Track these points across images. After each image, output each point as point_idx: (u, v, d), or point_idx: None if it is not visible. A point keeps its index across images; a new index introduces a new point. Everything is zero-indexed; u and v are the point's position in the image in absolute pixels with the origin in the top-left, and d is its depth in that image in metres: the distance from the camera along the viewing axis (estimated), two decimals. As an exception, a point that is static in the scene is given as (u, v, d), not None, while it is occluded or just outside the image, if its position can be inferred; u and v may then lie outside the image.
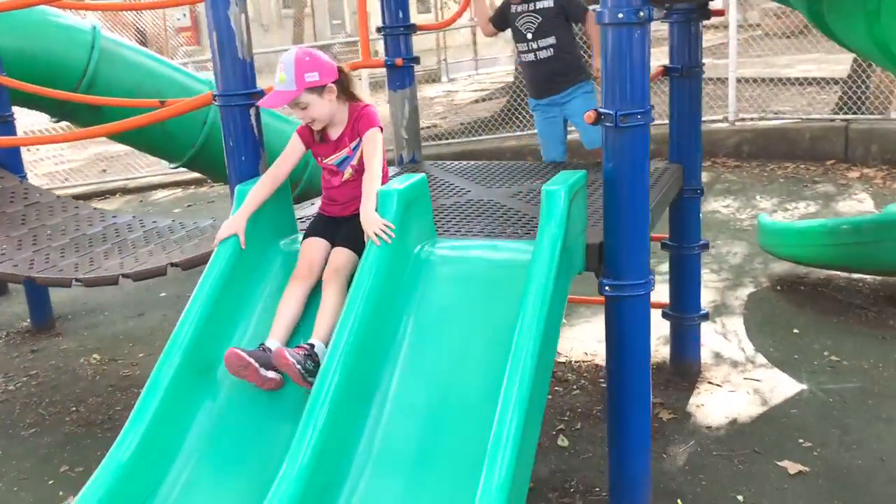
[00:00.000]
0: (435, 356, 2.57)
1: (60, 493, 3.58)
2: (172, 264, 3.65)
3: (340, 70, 2.75)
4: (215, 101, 3.09)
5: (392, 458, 2.40)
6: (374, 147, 2.76)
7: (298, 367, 2.51)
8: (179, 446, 2.58)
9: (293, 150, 2.92)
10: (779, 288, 5.23)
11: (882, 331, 4.48)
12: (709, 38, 22.22)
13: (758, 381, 4.06)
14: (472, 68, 19.27)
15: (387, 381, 2.54)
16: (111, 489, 2.43)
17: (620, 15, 2.47)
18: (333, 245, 2.82)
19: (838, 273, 5.25)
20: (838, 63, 13.17)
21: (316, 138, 2.88)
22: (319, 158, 2.91)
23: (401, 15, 4.19)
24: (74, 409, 4.40)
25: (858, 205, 6.88)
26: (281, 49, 19.35)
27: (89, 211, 4.95)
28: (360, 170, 2.82)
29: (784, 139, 8.45)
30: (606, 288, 2.72)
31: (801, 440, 3.51)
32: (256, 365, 2.57)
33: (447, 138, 10.48)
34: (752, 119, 8.94)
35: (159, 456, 2.54)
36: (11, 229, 4.56)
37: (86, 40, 5.93)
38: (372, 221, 2.60)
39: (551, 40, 4.44)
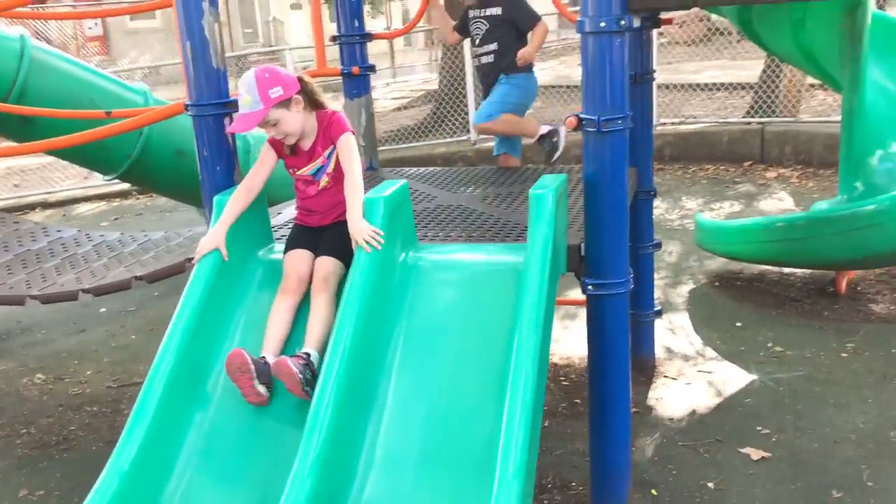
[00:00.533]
0: (429, 361, 2.60)
1: (24, 518, 3.47)
2: (137, 278, 3.58)
3: (301, 80, 2.74)
4: (188, 110, 3.05)
5: (395, 460, 2.44)
6: (349, 153, 2.77)
7: (300, 376, 2.51)
8: (176, 456, 2.56)
9: (266, 161, 2.88)
10: (717, 284, 5.47)
11: (818, 321, 4.74)
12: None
13: (710, 373, 4.24)
14: (391, 76, 19.32)
15: (384, 386, 2.57)
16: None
17: (602, 24, 2.57)
18: (317, 254, 2.82)
19: (770, 268, 5.53)
20: (743, 69, 13.79)
21: (286, 151, 2.85)
22: (292, 170, 2.89)
23: (356, 24, 4.22)
24: (25, 430, 4.24)
25: (779, 203, 7.24)
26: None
27: (30, 226, 4.79)
28: (336, 177, 2.83)
29: (704, 142, 8.81)
30: (589, 287, 2.82)
31: (758, 427, 3.69)
32: (254, 373, 2.56)
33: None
34: (672, 123, 9.28)
35: (157, 466, 2.51)
36: (-49, 247, 4.38)
37: (14, 49, 5.71)
38: (361, 229, 2.62)
39: (493, 46, 4.47)
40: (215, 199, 2.92)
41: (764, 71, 8.99)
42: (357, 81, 4.30)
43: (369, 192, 2.74)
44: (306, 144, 2.81)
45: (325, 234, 2.85)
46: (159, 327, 5.58)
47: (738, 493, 3.22)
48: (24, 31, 5.95)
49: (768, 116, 8.81)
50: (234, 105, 3.04)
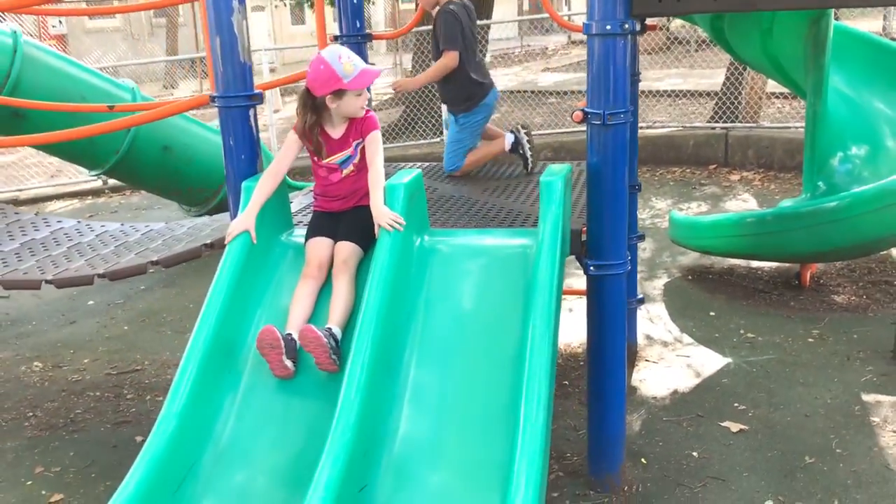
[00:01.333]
0: (448, 334, 2.82)
1: (43, 493, 3.60)
2: (153, 262, 3.73)
3: None
4: (214, 101, 3.23)
5: (419, 427, 2.64)
6: (377, 147, 3.00)
7: (326, 341, 2.70)
8: (211, 429, 2.72)
9: (291, 148, 3.09)
10: (690, 277, 5.78)
11: (786, 311, 5.07)
12: (580, 53, 23.36)
13: (688, 357, 4.53)
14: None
15: (408, 356, 2.78)
16: (153, 470, 2.53)
17: (608, 27, 2.83)
18: (337, 238, 3.02)
19: (740, 262, 5.86)
20: (702, 77, 14.30)
21: (313, 137, 3.03)
22: (317, 157, 3.08)
23: (357, 24, 4.43)
24: (31, 414, 4.36)
25: (744, 204, 7.61)
26: (161, 60, 18.93)
27: (30, 216, 4.90)
28: (358, 167, 3.05)
29: (671, 146, 9.17)
30: (591, 268, 3.07)
31: (735, 404, 3.98)
32: (283, 349, 2.75)
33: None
34: (640, 127, 9.61)
35: (193, 439, 2.67)
36: (-43, 235, 4.48)
37: (7, 45, 5.82)
38: (383, 213, 2.85)
39: (433, 62, 4.33)
40: (243, 184, 3.11)
41: (727, 79, 9.37)
42: (357, 79, 4.49)
43: (388, 179, 2.96)
44: (336, 134, 3.02)
45: (344, 219, 3.05)
46: (149, 318, 5.75)
47: (720, 461, 3.50)
48: (17, 27, 6.04)
49: (731, 122, 9.20)
50: (258, 98, 3.24)
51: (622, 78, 2.91)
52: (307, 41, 25.01)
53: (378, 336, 2.66)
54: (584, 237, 3.15)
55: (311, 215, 3.21)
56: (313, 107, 2.97)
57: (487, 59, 15.54)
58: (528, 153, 4.20)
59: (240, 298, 2.95)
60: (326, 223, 3.06)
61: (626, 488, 3.31)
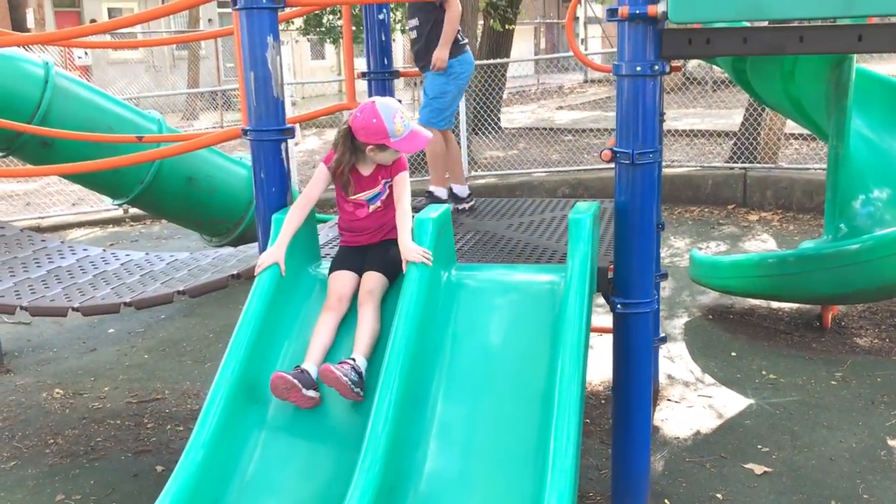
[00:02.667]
0: (474, 369, 2.83)
1: (64, 521, 3.60)
2: (180, 292, 3.76)
3: None
4: (246, 135, 3.28)
5: (445, 460, 2.64)
6: (405, 187, 3.06)
7: (346, 379, 2.72)
8: (237, 460, 2.72)
9: (319, 181, 3.12)
10: (710, 317, 5.76)
11: (808, 353, 5.04)
12: (596, 92, 23.51)
13: (710, 397, 4.51)
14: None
15: (435, 389, 2.78)
16: (179, 500, 2.53)
17: (638, 68, 2.87)
18: (361, 272, 3.05)
19: (760, 303, 5.85)
20: (719, 117, 14.39)
21: (344, 173, 3.06)
22: (344, 193, 3.10)
23: (385, 61, 4.49)
24: (52, 441, 4.37)
25: (763, 244, 7.60)
26: (182, 92, 19.21)
27: (56, 244, 4.95)
28: (385, 203, 3.09)
29: (689, 185, 9.20)
30: (618, 306, 3.08)
31: (759, 446, 3.95)
32: (300, 385, 2.76)
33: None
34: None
35: (219, 470, 2.67)
36: (-15, 262, 4.53)
37: (39, 75, 5.93)
38: (412, 249, 2.89)
39: (415, 21, 4.33)
40: (273, 217, 3.14)
41: (746, 119, 9.42)
42: (384, 115, 4.55)
43: (417, 214, 2.99)
44: (366, 171, 3.06)
45: (371, 251, 3.08)
46: (169, 347, 5.77)
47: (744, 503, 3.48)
48: (48, 58, 6.16)
49: (749, 162, 9.23)
50: (290, 132, 3.29)
51: (651, 118, 2.94)
52: (327, 76, 25.34)
53: (406, 370, 2.66)
54: (610, 275, 3.16)
55: (336, 248, 3.25)
56: (353, 148, 3.00)
57: (504, 95, 15.68)
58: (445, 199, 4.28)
59: (268, 331, 2.96)
60: (351, 257, 3.09)
61: (649, 529, 3.29)
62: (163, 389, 5.01)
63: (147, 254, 4.83)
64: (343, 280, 3.03)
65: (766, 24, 3.42)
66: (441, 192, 4.38)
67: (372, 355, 2.86)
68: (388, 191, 3.08)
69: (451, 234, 3.17)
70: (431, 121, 4.26)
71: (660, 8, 2.76)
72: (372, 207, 3.09)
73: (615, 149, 2.99)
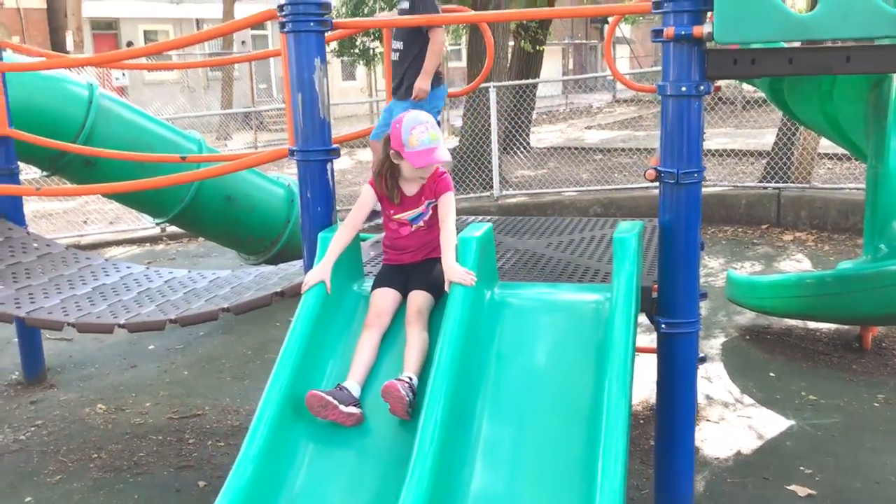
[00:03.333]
0: (519, 389, 2.84)
1: (110, 534, 3.65)
2: (224, 310, 3.82)
3: None
4: (293, 155, 3.34)
5: (491, 480, 2.65)
6: (449, 207, 3.08)
7: (407, 398, 2.75)
8: (285, 475, 2.76)
9: (366, 202, 3.17)
10: (747, 337, 5.73)
11: (847, 373, 4.99)
12: (624, 111, 23.50)
13: (749, 417, 4.48)
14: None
15: (479, 414, 2.79)
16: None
17: (683, 88, 2.89)
18: (405, 291, 3.09)
19: (797, 323, 5.80)
20: (750, 137, 14.34)
21: (389, 195, 3.11)
22: (390, 213, 3.15)
23: (424, 82, 4.54)
24: (96, 455, 4.43)
25: (798, 264, 7.54)
26: (217, 113, 19.48)
27: (100, 261, 5.03)
28: (428, 223, 3.13)
29: (722, 205, 9.16)
30: (663, 325, 3.08)
31: (801, 467, 3.92)
32: (336, 402, 2.78)
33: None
34: (690, 186, 9.62)
35: (268, 485, 2.69)
36: (33, 279, 4.61)
37: (83, 96, 6.06)
38: (455, 270, 2.91)
39: (399, 45, 4.39)
40: (319, 235, 3.20)
41: (779, 139, 9.38)
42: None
43: (460, 233, 3.02)
44: (409, 191, 3.10)
45: (416, 270, 3.12)
46: (208, 364, 5.84)
47: (789, 526, 3.44)
48: (92, 79, 6.30)
49: (783, 182, 9.18)
50: (336, 152, 3.35)
51: (696, 138, 2.95)
52: (358, 97, 25.59)
53: (451, 389, 2.68)
54: (654, 294, 3.17)
55: (379, 266, 3.29)
56: (391, 153, 3.05)
57: (533, 116, 15.73)
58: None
59: (314, 348, 3.00)
60: (394, 275, 3.14)
61: (693, 551, 3.27)
62: (203, 405, 5.07)
63: (189, 271, 4.90)
64: (384, 297, 3.07)
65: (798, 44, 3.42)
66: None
67: (422, 372, 2.89)
68: (430, 212, 3.12)
69: (493, 253, 3.19)
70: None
71: (705, 29, 2.78)
72: (414, 227, 3.14)
73: (659, 168, 3.01)
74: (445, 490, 2.57)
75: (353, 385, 2.87)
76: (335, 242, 3.14)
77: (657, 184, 3.04)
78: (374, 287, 3.13)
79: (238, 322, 6.49)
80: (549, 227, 4.36)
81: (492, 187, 10.33)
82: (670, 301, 3.09)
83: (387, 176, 3.10)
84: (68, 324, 4.04)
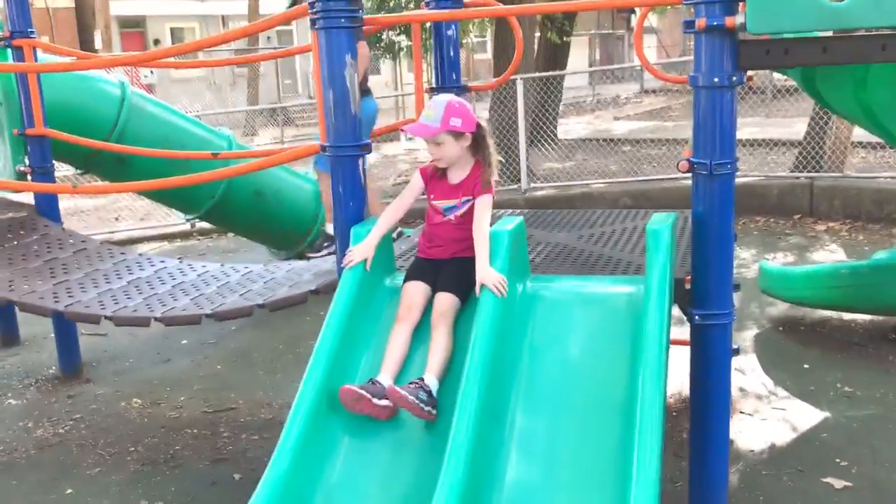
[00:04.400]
0: (552, 382, 2.85)
1: (148, 526, 3.71)
2: (259, 305, 3.86)
3: (480, 126, 3.05)
4: (325, 151, 3.36)
5: (526, 476, 2.66)
6: (486, 210, 3.04)
7: (413, 398, 2.74)
8: (322, 467, 2.78)
9: (414, 187, 3.20)
10: (781, 329, 5.68)
11: (884, 365, 4.94)
12: (652, 102, 23.32)
13: (783, 409, 4.45)
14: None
15: (513, 407, 2.80)
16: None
17: (716, 79, 2.87)
18: (434, 287, 3.07)
19: (831, 314, 5.74)
20: (780, 126, 14.15)
21: (437, 174, 3.13)
22: (431, 196, 3.16)
23: (454, 76, 4.55)
24: (133, 448, 4.50)
25: (832, 255, 7.46)
26: (244, 109, 19.63)
27: (134, 256, 5.11)
28: (460, 220, 3.09)
29: (754, 195, 9.06)
30: (696, 317, 3.07)
31: (837, 460, 3.88)
32: (369, 396, 2.79)
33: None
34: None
35: (305, 477, 2.72)
36: (70, 274, 4.69)
37: (115, 95, 6.15)
38: (489, 276, 2.89)
39: None
40: (353, 229, 3.22)
41: (811, 128, 9.26)
42: (452, 129, 4.61)
43: (494, 225, 3.03)
44: (454, 178, 3.10)
45: (444, 269, 3.09)
46: (241, 358, 5.90)
47: (825, 519, 3.42)
48: (124, 78, 6.38)
49: (815, 171, 9.07)
50: (367, 147, 3.37)
51: (729, 129, 2.94)
52: (382, 91, 25.62)
53: (484, 382, 2.69)
54: (687, 286, 3.15)
55: (412, 260, 3.31)
56: None
57: (560, 108, 15.64)
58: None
59: (348, 342, 3.03)
60: (426, 269, 3.13)
61: (728, 544, 3.25)
62: (236, 399, 5.12)
63: (222, 265, 4.96)
64: (415, 290, 3.07)
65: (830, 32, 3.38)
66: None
67: (445, 376, 2.88)
68: (463, 208, 3.09)
69: (525, 246, 3.20)
70: (325, 167, 4.37)
71: (738, 19, 2.76)
72: (445, 218, 3.12)
73: (692, 160, 3.00)
74: (480, 481, 2.59)
75: (385, 378, 2.88)
76: (383, 221, 3.17)
77: (689, 175, 3.03)
78: (406, 280, 3.15)
79: (269, 316, 6.49)
80: (579, 219, 4.35)
81: (519, 180, 10.30)
82: (704, 292, 3.07)
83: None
84: (105, 317, 4.10)
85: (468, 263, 2.99)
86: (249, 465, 4.21)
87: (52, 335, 5.76)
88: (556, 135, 13.85)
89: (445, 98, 3.03)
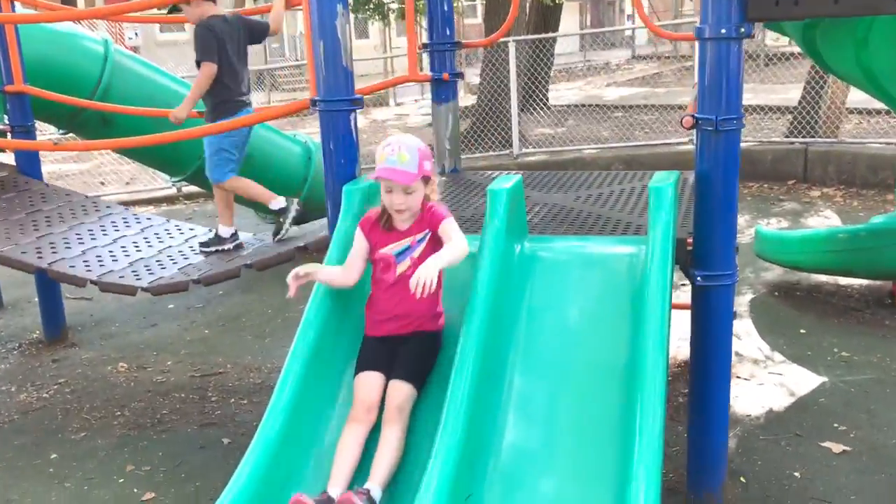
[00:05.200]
0: (552, 345, 2.76)
1: (136, 491, 3.63)
2: (247, 266, 3.76)
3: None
4: (315, 105, 3.23)
5: (523, 446, 2.57)
6: (454, 228, 2.72)
7: None
8: (314, 430, 2.71)
9: (358, 251, 2.84)
10: (776, 294, 5.62)
11: (880, 329, 4.89)
12: (643, 68, 23.13)
13: (780, 374, 4.40)
14: (419, 93, 19.57)
15: (511, 369, 2.71)
16: (262, 465, 2.52)
17: (723, 31, 2.76)
18: (390, 374, 2.68)
19: (827, 279, 5.69)
20: (773, 92, 14.04)
21: (381, 225, 2.78)
22: (377, 251, 2.78)
23: (447, 32, 4.42)
24: (119, 413, 4.42)
25: (826, 220, 7.40)
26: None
27: (121, 211, 4.99)
28: (417, 263, 2.63)
29: (748, 160, 8.96)
30: (699, 278, 2.99)
31: (835, 424, 3.84)
32: None
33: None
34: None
35: (299, 436, 2.65)
36: (54, 227, 4.56)
37: (99, 53, 5.96)
38: (424, 269, 2.51)
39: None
40: (345, 188, 3.11)
41: (806, 93, 9.16)
42: (446, 87, 4.50)
43: (492, 184, 2.91)
44: (403, 226, 2.77)
45: (401, 351, 2.72)
46: (229, 323, 5.82)
47: (824, 482, 3.37)
48: (107, 36, 6.19)
49: (809, 137, 8.98)
50: (359, 102, 3.24)
51: (735, 82, 2.83)
52: (370, 54, 25.31)
53: (482, 343, 2.61)
54: (689, 247, 3.07)
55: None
56: None
57: (551, 73, 15.44)
58: (285, 225, 4.32)
59: (339, 303, 2.93)
60: (379, 352, 2.73)
61: (726, 507, 3.21)
62: (224, 364, 5.04)
63: (210, 229, 4.83)
64: (370, 384, 2.67)
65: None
66: (224, 231, 4.53)
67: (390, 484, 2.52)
68: (419, 247, 2.73)
69: (523, 205, 3.09)
70: (221, 176, 4.48)
71: (747, -33, 2.65)
72: (400, 268, 2.73)
73: (697, 115, 2.89)
74: (479, 442, 2.51)
75: (335, 491, 2.48)
76: (335, 272, 2.86)
77: (682, 139, 2.93)
78: (357, 369, 2.73)
79: (258, 281, 6.44)
80: (575, 180, 4.25)
81: (511, 145, 10.18)
82: (707, 253, 2.99)
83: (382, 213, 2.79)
84: (91, 281, 3.99)
85: (431, 341, 2.75)
86: (238, 429, 4.14)
87: (36, 299, 5.64)
88: (547, 100, 13.70)
89: (412, 141, 2.70)
